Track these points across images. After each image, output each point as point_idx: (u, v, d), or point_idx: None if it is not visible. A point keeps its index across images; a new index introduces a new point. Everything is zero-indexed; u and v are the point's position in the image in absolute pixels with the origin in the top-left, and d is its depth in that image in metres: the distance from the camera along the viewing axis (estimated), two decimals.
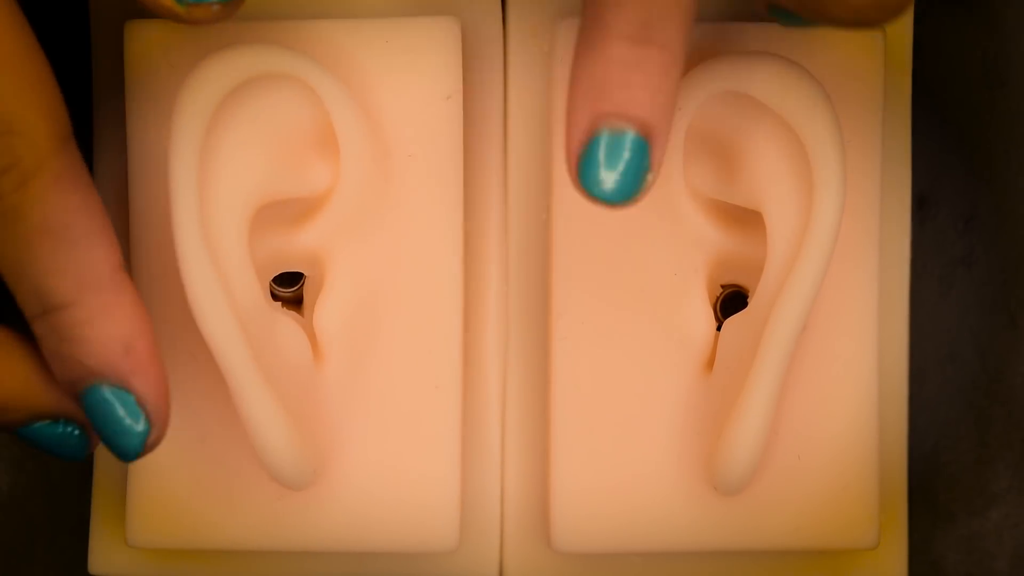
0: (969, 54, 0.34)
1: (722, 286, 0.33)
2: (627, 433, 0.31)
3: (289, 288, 0.32)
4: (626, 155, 0.26)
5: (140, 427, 0.27)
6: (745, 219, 0.31)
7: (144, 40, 0.31)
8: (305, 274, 0.32)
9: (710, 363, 0.31)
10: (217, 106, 0.27)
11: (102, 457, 0.33)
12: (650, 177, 0.26)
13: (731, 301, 0.33)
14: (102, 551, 0.33)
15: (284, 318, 0.30)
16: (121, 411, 0.26)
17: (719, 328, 0.31)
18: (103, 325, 0.26)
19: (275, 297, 0.32)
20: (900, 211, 0.33)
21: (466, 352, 0.32)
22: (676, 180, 0.30)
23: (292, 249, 0.31)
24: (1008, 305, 0.34)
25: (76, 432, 0.28)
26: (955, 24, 0.35)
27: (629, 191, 0.26)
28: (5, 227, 0.25)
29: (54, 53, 0.32)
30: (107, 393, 0.26)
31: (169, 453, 0.31)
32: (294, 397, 0.30)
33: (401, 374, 0.31)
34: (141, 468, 0.31)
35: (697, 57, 0.30)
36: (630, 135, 0.26)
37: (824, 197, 0.28)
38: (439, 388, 0.31)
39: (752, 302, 0.30)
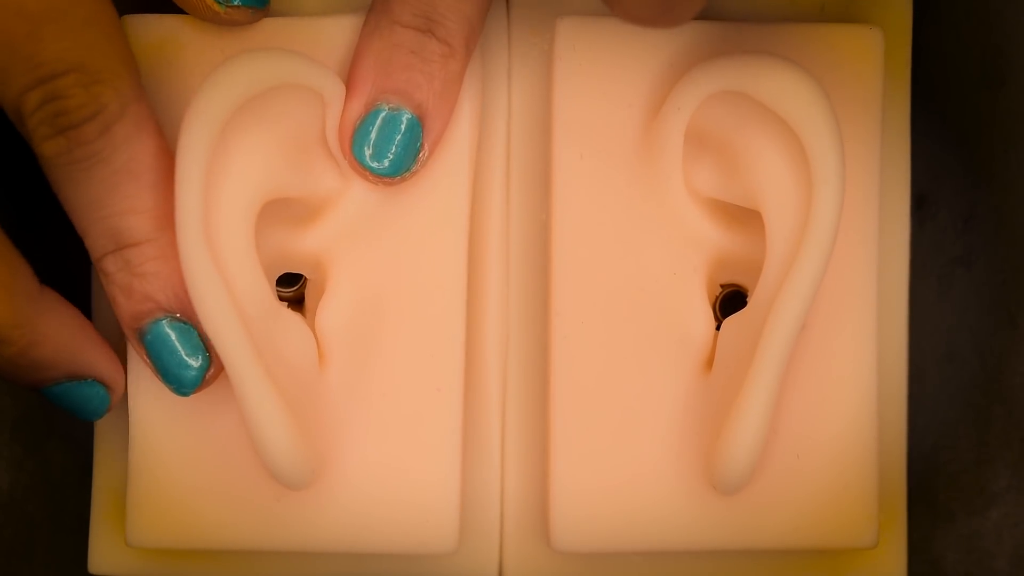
0: (969, 54, 0.34)
1: (721, 286, 0.33)
2: (627, 433, 0.31)
3: (289, 288, 0.32)
4: (401, 132, 0.28)
5: (200, 361, 0.28)
6: (744, 219, 0.31)
7: (142, 34, 0.31)
8: (306, 276, 0.32)
9: (709, 363, 0.31)
10: (228, 116, 0.28)
11: (102, 457, 0.33)
12: (422, 156, 0.29)
13: (730, 301, 0.33)
14: (102, 551, 0.33)
15: (291, 318, 0.30)
16: (184, 345, 0.28)
17: (718, 328, 0.31)
18: (175, 261, 0.28)
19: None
20: (899, 211, 0.33)
21: (466, 353, 0.32)
22: (675, 180, 0.30)
23: (295, 250, 0.31)
24: (1007, 305, 0.34)
25: (101, 392, 0.29)
26: (955, 24, 0.35)
27: (400, 167, 0.29)
28: (89, 170, 0.27)
29: None
30: (171, 327, 0.28)
31: (169, 453, 0.31)
32: (296, 397, 0.30)
33: (402, 376, 0.31)
34: (141, 468, 0.31)
35: (697, 57, 0.30)
36: (406, 114, 0.28)
37: (823, 196, 0.28)
38: (440, 390, 0.31)
39: (751, 302, 0.30)
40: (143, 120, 0.27)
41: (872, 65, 0.31)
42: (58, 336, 0.28)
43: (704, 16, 0.32)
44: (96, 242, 0.28)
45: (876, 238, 0.32)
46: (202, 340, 0.28)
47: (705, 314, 0.31)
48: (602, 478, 0.31)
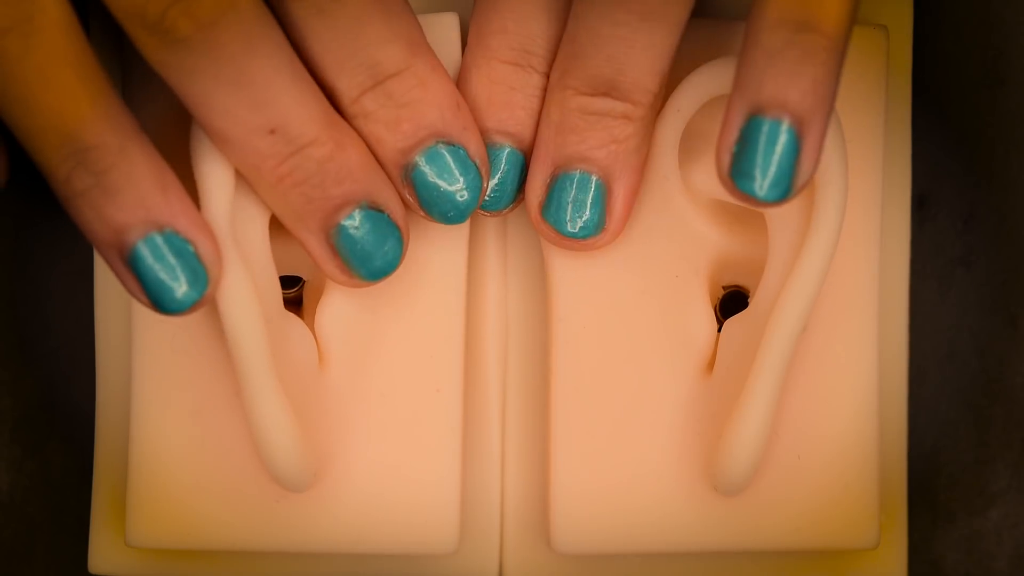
0: (969, 54, 0.34)
1: (723, 287, 0.33)
2: (627, 434, 0.31)
3: (288, 290, 0.32)
4: (503, 168, 0.28)
5: (472, 179, 0.28)
6: (745, 219, 0.31)
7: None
8: (305, 278, 0.32)
9: (711, 364, 0.31)
10: None
11: (102, 457, 0.33)
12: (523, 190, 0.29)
13: (731, 301, 0.33)
14: (102, 551, 0.33)
15: (295, 321, 0.30)
16: (455, 166, 0.27)
17: (720, 329, 0.31)
18: (435, 84, 0.27)
19: None
20: (900, 211, 0.33)
21: (466, 353, 0.32)
22: (675, 181, 0.30)
23: (295, 252, 0.31)
24: (1008, 305, 0.34)
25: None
26: (956, 25, 0.35)
27: (508, 199, 0.29)
28: (335, 1, 0.26)
29: None
30: (443, 149, 0.27)
31: (169, 453, 0.31)
32: (298, 398, 0.30)
33: (402, 376, 0.31)
34: (141, 468, 0.31)
35: (698, 57, 0.30)
36: (508, 150, 0.28)
37: (825, 198, 0.28)
38: (440, 391, 0.31)
39: (752, 303, 0.30)
40: None
41: (875, 65, 0.31)
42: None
43: (705, 15, 0.32)
44: (352, 80, 0.27)
45: (877, 238, 0.32)
46: (471, 159, 0.28)
47: (707, 315, 0.31)
48: (603, 479, 0.31)
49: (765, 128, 0.25)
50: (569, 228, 0.29)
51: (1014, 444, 0.35)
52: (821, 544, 0.32)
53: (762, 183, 0.25)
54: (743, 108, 0.25)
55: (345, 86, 0.27)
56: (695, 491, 0.31)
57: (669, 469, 0.31)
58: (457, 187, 0.28)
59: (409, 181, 0.28)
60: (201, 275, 0.26)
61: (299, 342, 0.30)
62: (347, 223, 0.27)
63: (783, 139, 0.25)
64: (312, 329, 0.31)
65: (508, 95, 0.28)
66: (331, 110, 0.27)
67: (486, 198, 0.29)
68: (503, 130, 0.28)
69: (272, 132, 0.26)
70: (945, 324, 0.35)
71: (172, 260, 0.26)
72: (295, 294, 0.32)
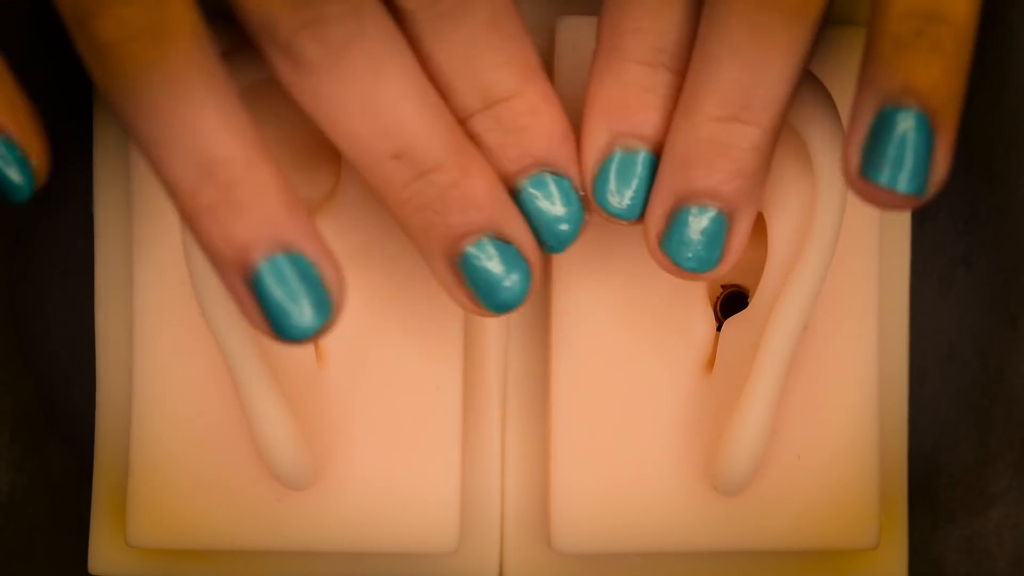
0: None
1: (722, 286, 0.33)
2: (627, 433, 0.31)
3: None
4: (639, 173, 0.27)
5: (574, 211, 0.27)
6: None
7: None
8: None
9: (710, 363, 0.31)
10: None
11: (102, 457, 0.33)
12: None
13: (731, 301, 0.33)
14: (102, 551, 0.33)
15: None
16: (558, 196, 0.27)
17: (719, 328, 0.31)
18: (545, 113, 0.27)
19: None
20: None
21: (466, 353, 0.32)
22: None
23: None
24: (1008, 305, 0.34)
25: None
26: None
27: (641, 206, 0.27)
28: (455, 21, 0.26)
29: (55, 54, 0.33)
30: (549, 179, 0.27)
31: (169, 453, 0.31)
32: (297, 397, 0.30)
33: (402, 375, 0.31)
34: (141, 468, 0.31)
35: None
36: (643, 154, 0.27)
37: (827, 198, 0.28)
38: (439, 389, 0.31)
39: (753, 302, 0.30)
40: None
41: None
42: None
43: None
44: (464, 101, 0.26)
45: (877, 239, 0.32)
46: (574, 189, 0.27)
47: (706, 314, 0.31)
48: (603, 479, 0.31)
49: (900, 117, 0.24)
50: (689, 263, 0.27)
51: (1014, 444, 0.35)
52: (821, 544, 0.32)
53: (900, 175, 0.24)
54: (873, 100, 0.24)
55: (455, 107, 0.26)
56: (695, 490, 0.31)
57: (669, 468, 0.31)
58: (559, 217, 0.27)
59: (523, 198, 0.27)
60: (325, 302, 0.24)
61: None
62: (470, 252, 0.26)
63: (918, 128, 0.24)
64: None
65: (643, 97, 0.27)
66: (461, 135, 0.26)
67: (620, 207, 0.27)
68: (638, 133, 0.27)
69: (397, 157, 0.25)
70: (945, 324, 0.35)
71: (297, 284, 0.24)
72: None
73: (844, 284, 0.31)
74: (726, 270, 0.28)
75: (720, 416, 0.30)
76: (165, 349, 0.31)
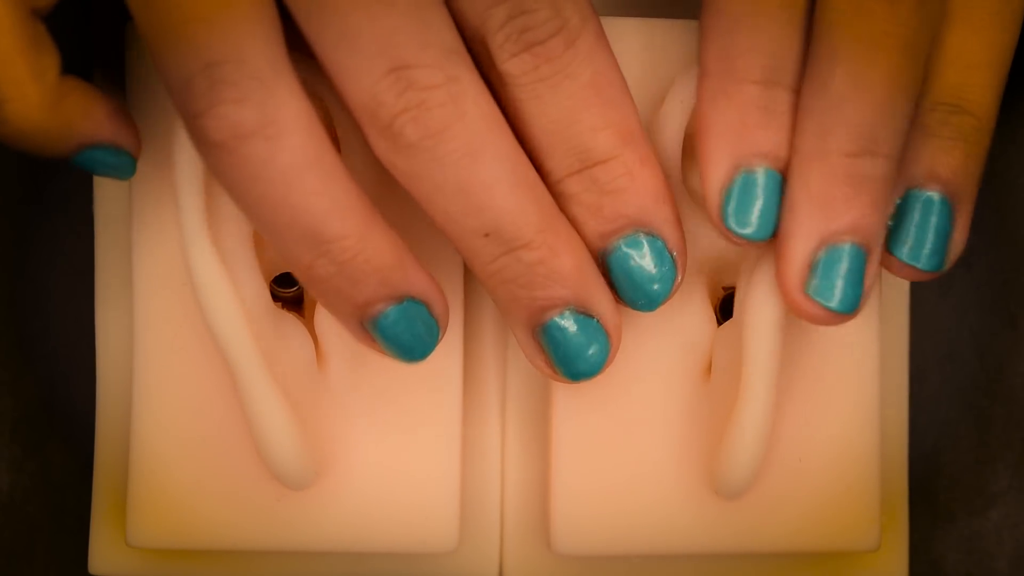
0: None
1: (724, 288, 0.33)
2: (627, 435, 0.31)
3: (289, 288, 0.32)
4: (768, 193, 0.27)
5: (667, 270, 0.27)
6: None
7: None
8: None
9: (711, 365, 0.31)
10: None
11: (102, 457, 0.33)
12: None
13: (731, 302, 0.33)
14: (102, 551, 0.33)
15: (289, 319, 0.30)
16: (652, 256, 0.27)
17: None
18: (642, 175, 0.27)
19: (275, 297, 0.32)
20: None
21: (466, 353, 0.32)
22: (675, 179, 0.30)
23: None
24: (1008, 305, 0.34)
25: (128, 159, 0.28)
26: None
27: (771, 225, 0.27)
28: (556, 86, 0.26)
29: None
30: (643, 239, 0.27)
31: (169, 453, 0.31)
32: (297, 397, 0.30)
33: (401, 375, 0.31)
34: (141, 468, 0.31)
35: (694, 57, 0.30)
36: (770, 172, 0.27)
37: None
38: (439, 389, 0.31)
39: (735, 306, 0.30)
40: (601, 34, 0.27)
41: None
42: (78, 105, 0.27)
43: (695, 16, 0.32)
44: (561, 162, 0.27)
45: None
46: (668, 251, 0.28)
47: (707, 316, 0.31)
48: (603, 481, 0.31)
49: (922, 199, 0.27)
50: (838, 305, 0.27)
51: (1014, 444, 0.35)
52: (822, 546, 0.32)
53: (922, 253, 0.27)
54: (900, 183, 0.27)
55: (553, 167, 0.27)
56: (695, 493, 0.31)
57: (669, 470, 0.31)
58: (652, 277, 0.27)
59: (604, 266, 0.28)
60: (434, 330, 0.27)
61: (296, 341, 0.30)
62: (552, 324, 0.27)
63: (939, 210, 0.27)
64: (312, 329, 0.31)
65: (762, 116, 0.27)
66: (551, 211, 0.27)
67: (752, 229, 0.27)
68: (761, 152, 0.27)
69: (487, 235, 0.26)
70: (945, 324, 0.35)
71: (411, 324, 0.27)
72: (294, 294, 0.32)
73: None
74: (862, 309, 0.27)
75: (721, 419, 0.30)
76: (165, 349, 0.31)
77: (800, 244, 0.27)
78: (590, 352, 0.27)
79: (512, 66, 0.26)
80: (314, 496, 0.31)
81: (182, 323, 0.31)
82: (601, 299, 0.27)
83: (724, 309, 0.33)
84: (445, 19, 0.25)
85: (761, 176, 0.27)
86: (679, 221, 0.28)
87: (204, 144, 0.24)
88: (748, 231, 0.27)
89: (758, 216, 0.27)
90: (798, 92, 0.27)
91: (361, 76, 0.25)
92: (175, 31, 0.24)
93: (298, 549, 0.31)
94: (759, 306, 0.28)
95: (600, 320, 0.27)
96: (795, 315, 0.27)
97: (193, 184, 0.27)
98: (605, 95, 0.26)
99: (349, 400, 0.31)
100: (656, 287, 0.28)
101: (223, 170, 0.25)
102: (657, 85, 0.31)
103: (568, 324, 0.27)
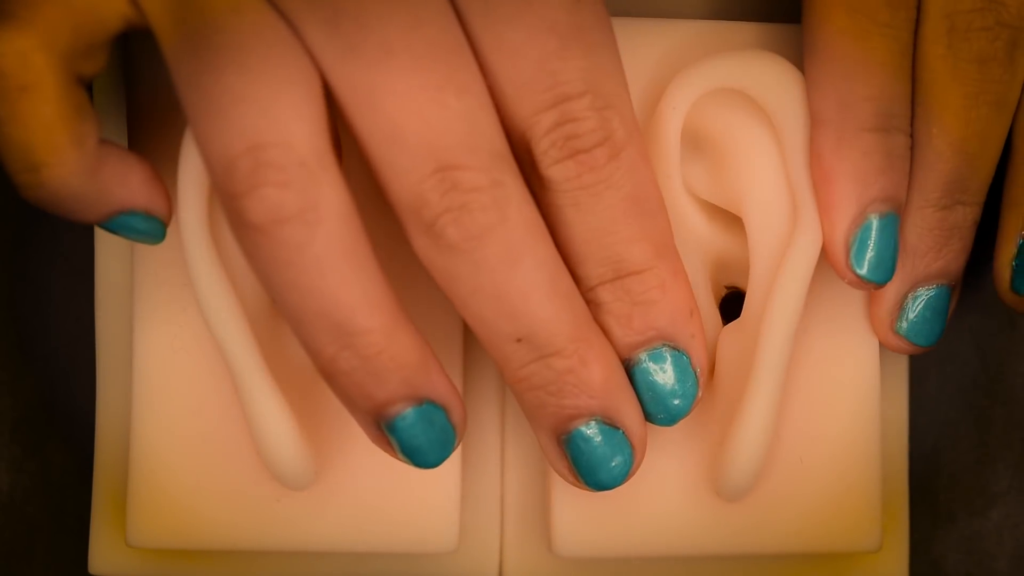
0: None
1: (725, 287, 0.33)
2: None
3: None
4: (892, 236, 0.29)
5: (689, 387, 0.28)
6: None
7: (144, 41, 0.31)
8: None
9: (714, 366, 0.31)
10: None
11: (102, 457, 0.33)
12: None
13: (732, 302, 0.33)
14: (102, 551, 0.33)
15: None
16: (675, 371, 0.27)
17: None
18: (674, 289, 0.27)
19: None
20: None
21: (466, 353, 0.32)
22: (675, 180, 0.30)
23: None
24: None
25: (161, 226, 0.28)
26: None
27: (891, 266, 0.29)
28: (597, 195, 0.26)
29: None
30: (668, 354, 0.27)
31: (169, 453, 0.31)
32: (297, 397, 0.30)
33: None
34: (141, 468, 0.31)
35: (693, 57, 0.30)
36: (892, 216, 0.29)
37: (807, 199, 0.28)
38: None
39: (744, 311, 0.30)
40: (644, 149, 0.27)
41: None
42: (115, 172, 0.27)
43: (702, 16, 0.32)
44: (595, 270, 0.27)
45: None
46: (692, 366, 0.28)
47: (711, 315, 0.31)
48: None
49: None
50: (925, 340, 0.30)
51: (1014, 444, 0.35)
52: (823, 547, 0.31)
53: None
54: (1020, 223, 0.29)
55: (586, 274, 0.27)
56: (697, 494, 0.31)
57: (671, 471, 0.31)
58: (674, 391, 0.28)
59: (628, 376, 0.28)
60: (451, 437, 0.27)
61: (294, 340, 0.30)
62: (578, 433, 0.27)
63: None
64: None
65: (882, 162, 0.28)
66: (585, 320, 0.27)
67: (878, 273, 0.29)
68: (883, 197, 0.28)
69: (519, 340, 0.26)
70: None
71: (427, 428, 0.26)
72: None
73: (844, 285, 0.31)
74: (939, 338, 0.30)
75: (723, 420, 0.30)
76: (165, 349, 0.31)
77: (891, 287, 0.30)
78: (613, 463, 0.27)
79: (555, 172, 0.26)
80: (314, 496, 0.31)
81: (182, 323, 0.31)
82: (628, 411, 0.27)
83: (724, 308, 0.33)
84: (494, 122, 0.25)
85: (886, 220, 0.28)
86: (704, 337, 0.28)
87: (242, 225, 0.24)
88: (876, 275, 0.29)
89: (884, 260, 0.29)
90: (910, 134, 0.29)
91: (407, 174, 0.25)
92: (223, 110, 0.24)
93: (298, 549, 0.31)
94: (779, 311, 0.28)
95: (626, 432, 0.27)
96: (886, 348, 0.31)
97: (195, 185, 0.27)
98: (644, 207, 0.27)
99: None
100: (677, 402, 0.28)
101: (257, 252, 0.25)
102: (657, 85, 0.31)
103: (593, 435, 0.27)
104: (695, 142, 0.31)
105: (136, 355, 0.31)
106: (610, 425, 0.27)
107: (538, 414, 0.27)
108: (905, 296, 0.30)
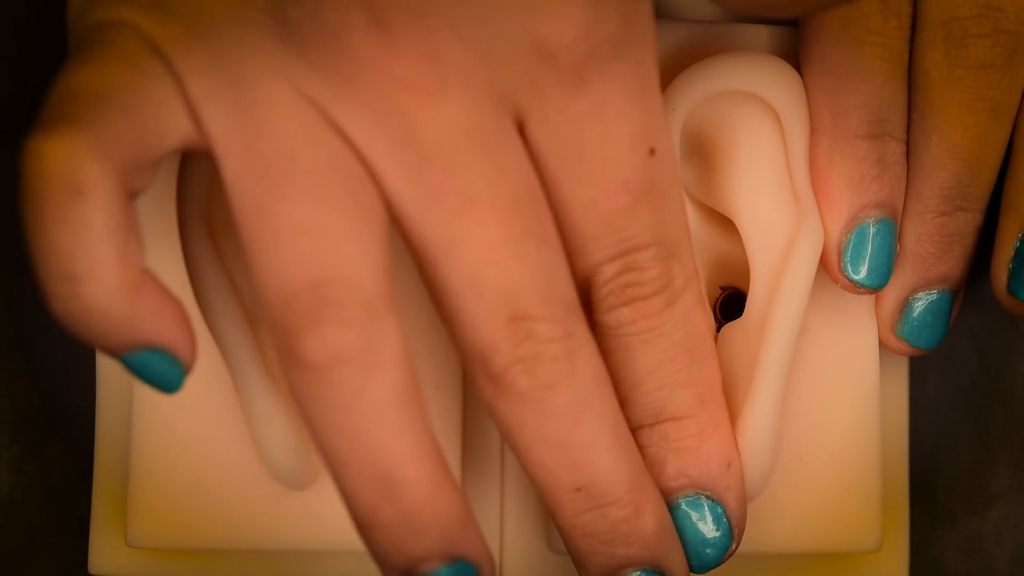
0: None
1: (721, 287, 0.33)
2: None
3: None
4: (885, 241, 0.29)
5: (721, 537, 0.28)
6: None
7: None
8: None
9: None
10: None
11: (102, 457, 0.33)
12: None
13: (730, 302, 0.33)
14: (102, 551, 0.33)
15: None
16: (708, 520, 0.27)
17: (719, 328, 0.31)
18: (713, 439, 0.27)
19: None
20: None
21: None
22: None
23: None
24: None
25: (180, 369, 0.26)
26: None
27: (886, 272, 0.29)
28: (649, 341, 0.26)
29: (55, 56, 0.33)
30: (704, 503, 0.27)
31: (169, 453, 0.31)
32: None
33: None
34: (141, 468, 0.31)
35: (692, 58, 0.30)
36: (885, 221, 0.29)
37: (808, 201, 0.28)
38: (439, 388, 0.31)
39: (746, 313, 0.30)
40: (700, 296, 0.27)
41: None
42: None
43: (702, 16, 0.32)
44: (635, 414, 0.27)
45: None
46: (726, 517, 0.28)
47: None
48: None
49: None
50: (926, 344, 0.31)
51: (1014, 444, 0.35)
52: (824, 547, 0.31)
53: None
54: (1017, 226, 0.29)
55: (626, 416, 0.27)
56: None
57: None
58: (707, 540, 0.28)
59: (678, 515, 0.28)
60: None
61: None
62: None
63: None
64: None
65: (875, 168, 0.29)
66: (640, 468, 0.27)
67: (871, 278, 0.29)
68: (876, 203, 0.29)
69: (578, 489, 0.26)
70: None
71: None
72: None
73: None
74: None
75: None
76: None
77: (892, 291, 0.30)
78: None
79: (611, 318, 0.26)
80: (314, 495, 0.31)
81: None
82: (676, 561, 0.27)
83: (722, 309, 0.33)
84: (566, 273, 0.25)
85: (877, 225, 0.29)
86: (743, 489, 0.28)
87: (295, 363, 0.23)
88: (869, 280, 0.29)
89: (877, 265, 0.29)
90: (905, 140, 0.29)
91: (482, 324, 0.24)
92: (285, 242, 0.23)
93: (298, 548, 0.31)
94: (783, 312, 0.28)
95: None
96: (888, 350, 0.31)
97: (194, 185, 0.27)
98: (693, 355, 0.27)
99: None
100: (709, 551, 0.28)
101: (308, 392, 0.24)
102: None
103: None
104: (689, 144, 0.30)
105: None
106: (657, 574, 0.27)
107: (589, 560, 0.27)
108: (906, 299, 0.30)
